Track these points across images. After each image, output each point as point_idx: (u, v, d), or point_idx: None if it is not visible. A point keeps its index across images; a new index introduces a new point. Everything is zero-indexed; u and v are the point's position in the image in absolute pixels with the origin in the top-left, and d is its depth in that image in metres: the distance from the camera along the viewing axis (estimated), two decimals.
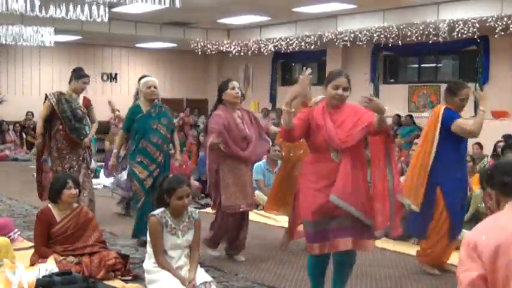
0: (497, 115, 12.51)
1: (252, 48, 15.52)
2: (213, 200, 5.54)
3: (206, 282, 4.06)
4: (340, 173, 3.87)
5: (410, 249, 6.00)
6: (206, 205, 7.87)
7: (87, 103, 6.85)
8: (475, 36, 11.27)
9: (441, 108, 5.08)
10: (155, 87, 6.05)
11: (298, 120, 3.96)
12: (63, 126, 6.52)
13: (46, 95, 6.68)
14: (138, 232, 5.89)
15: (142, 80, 6.13)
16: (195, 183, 8.62)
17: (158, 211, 4.16)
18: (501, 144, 8.62)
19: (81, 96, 6.80)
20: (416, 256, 5.39)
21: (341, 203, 3.83)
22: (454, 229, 5.09)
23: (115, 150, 6.18)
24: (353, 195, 3.84)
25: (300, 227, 4.57)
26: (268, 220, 7.27)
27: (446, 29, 11.46)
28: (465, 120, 5.04)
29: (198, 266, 4.23)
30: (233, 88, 5.43)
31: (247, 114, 5.55)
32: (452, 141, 5.02)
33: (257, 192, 8.27)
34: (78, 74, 6.71)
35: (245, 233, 5.58)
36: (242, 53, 15.84)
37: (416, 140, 11.67)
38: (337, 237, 3.88)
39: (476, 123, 4.96)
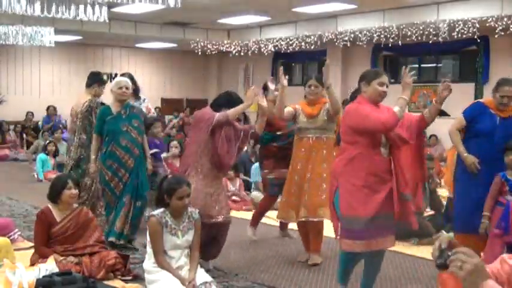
0: None
1: (252, 48, 15.52)
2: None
3: (206, 283, 4.06)
4: (401, 170, 4.00)
5: (410, 249, 6.01)
6: None
7: None
8: (475, 36, 11.27)
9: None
10: (127, 88, 5.91)
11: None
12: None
13: (91, 105, 6.43)
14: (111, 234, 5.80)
15: (114, 80, 6.06)
16: None
17: (158, 211, 4.16)
18: None
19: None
20: None
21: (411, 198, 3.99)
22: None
23: (93, 156, 5.92)
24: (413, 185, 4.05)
25: None
26: (268, 220, 7.27)
27: (446, 29, 11.46)
28: (458, 121, 5.11)
29: (198, 266, 4.23)
30: None
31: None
32: (470, 135, 5.05)
33: (257, 193, 8.31)
34: (103, 80, 6.72)
35: (219, 245, 5.12)
36: (242, 53, 15.84)
37: None
38: (385, 236, 4.01)
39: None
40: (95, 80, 6.68)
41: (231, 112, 4.93)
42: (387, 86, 4.11)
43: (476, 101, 5.20)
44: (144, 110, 6.79)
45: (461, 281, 1.81)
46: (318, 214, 5.25)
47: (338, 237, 4.12)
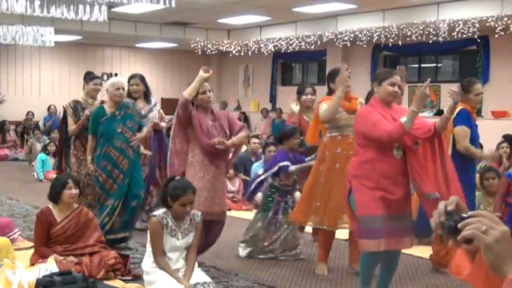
0: (497, 115, 12.51)
1: (252, 48, 15.52)
2: None
3: (205, 283, 4.05)
4: (419, 170, 3.96)
5: (411, 249, 5.99)
6: None
7: None
8: (475, 36, 11.27)
9: (458, 108, 5.02)
10: (123, 89, 5.88)
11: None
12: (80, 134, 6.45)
13: (63, 107, 6.55)
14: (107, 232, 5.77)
15: (110, 81, 5.96)
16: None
17: (160, 211, 4.14)
18: (504, 144, 8.54)
19: (99, 100, 6.58)
20: (430, 259, 5.37)
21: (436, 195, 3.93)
22: None
23: (89, 157, 5.89)
24: (443, 184, 3.97)
25: None
26: None
27: (446, 29, 11.46)
28: (465, 133, 5.00)
29: (196, 266, 4.21)
30: (204, 92, 5.02)
31: (223, 117, 5.18)
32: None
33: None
34: (88, 77, 6.60)
35: (211, 239, 5.12)
36: (242, 53, 15.84)
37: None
38: (402, 237, 4.01)
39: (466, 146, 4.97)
40: (84, 80, 6.64)
41: (187, 90, 4.93)
42: (399, 87, 4.08)
43: (461, 108, 5.04)
44: (156, 115, 6.67)
45: (485, 250, 1.30)
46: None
47: (357, 238, 4.14)
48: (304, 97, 5.82)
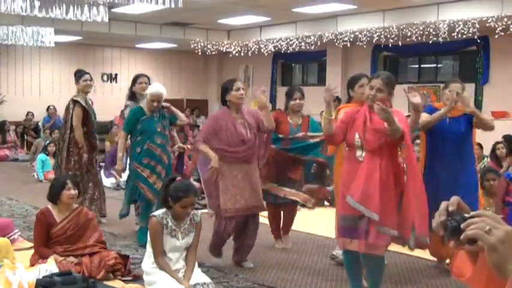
0: (497, 115, 12.50)
1: (252, 49, 15.52)
2: (211, 204, 5.30)
3: (204, 284, 4.05)
4: (359, 174, 3.95)
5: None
6: (206, 205, 7.86)
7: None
8: (475, 37, 11.27)
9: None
10: (158, 102, 6.05)
11: (340, 123, 4.05)
12: (87, 129, 6.55)
13: (74, 100, 6.68)
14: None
15: (151, 89, 6.09)
16: (195, 184, 8.61)
17: (160, 212, 4.15)
18: (501, 145, 8.55)
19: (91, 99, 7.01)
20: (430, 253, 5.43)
21: (357, 205, 3.90)
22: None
23: (120, 154, 6.12)
24: (371, 198, 3.88)
25: None
26: (267, 220, 7.25)
27: (446, 29, 11.45)
28: (424, 117, 5.08)
29: (196, 266, 4.21)
30: (238, 89, 5.20)
31: (253, 116, 5.27)
32: (427, 135, 5.20)
33: None
34: (78, 76, 6.82)
35: (251, 239, 5.31)
36: (242, 53, 15.83)
37: (417, 141, 11.68)
38: (363, 239, 3.97)
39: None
40: (74, 78, 6.93)
41: (203, 148, 5.04)
42: (381, 90, 4.06)
43: (428, 105, 5.35)
44: None
45: (488, 250, 1.28)
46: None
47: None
48: (292, 102, 5.84)
